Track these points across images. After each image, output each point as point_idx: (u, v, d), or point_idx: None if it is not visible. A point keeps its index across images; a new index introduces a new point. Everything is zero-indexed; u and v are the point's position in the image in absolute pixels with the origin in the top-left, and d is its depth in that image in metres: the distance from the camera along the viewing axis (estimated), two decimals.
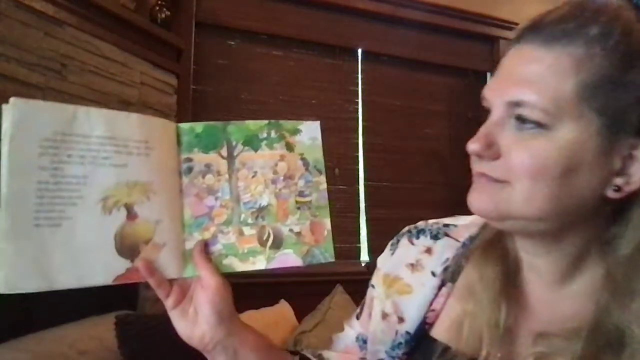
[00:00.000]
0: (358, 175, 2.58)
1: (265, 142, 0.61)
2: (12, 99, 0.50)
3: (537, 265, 0.53)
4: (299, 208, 0.61)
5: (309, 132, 0.63)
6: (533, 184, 0.45)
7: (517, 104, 0.46)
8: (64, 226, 0.51)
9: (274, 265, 0.59)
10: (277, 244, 0.60)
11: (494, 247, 0.56)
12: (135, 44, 1.81)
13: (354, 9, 2.55)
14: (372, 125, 2.64)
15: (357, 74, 2.64)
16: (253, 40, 2.40)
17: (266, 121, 0.62)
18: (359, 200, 2.56)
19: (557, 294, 0.52)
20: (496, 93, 0.48)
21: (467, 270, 0.58)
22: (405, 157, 2.70)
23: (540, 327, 0.51)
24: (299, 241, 0.60)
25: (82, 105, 0.54)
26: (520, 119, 0.46)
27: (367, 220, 2.55)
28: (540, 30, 0.47)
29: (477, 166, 0.50)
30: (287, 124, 0.62)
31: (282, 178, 0.61)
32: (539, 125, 0.45)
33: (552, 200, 0.45)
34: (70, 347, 1.24)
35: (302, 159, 0.62)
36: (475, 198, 0.50)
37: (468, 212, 0.53)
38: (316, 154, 0.63)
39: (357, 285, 1.90)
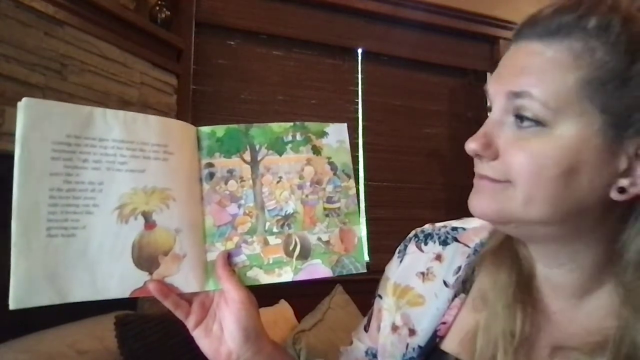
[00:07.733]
0: (358, 175, 2.57)
1: (290, 145, 0.58)
2: (24, 99, 0.47)
3: (552, 278, 0.50)
4: (327, 215, 0.58)
5: (336, 135, 0.60)
6: (532, 185, 0.43)
7: (517, 95, 0.43)
8: (78, 236, 0.48)
9: (302, 276, 0.56)
10: (305, 253, 0.56)
11: (506, 251, 0.53)
12: (135, 44, 1.80)
13: (354, 9, 2.54)
14: (372, 125, 2.63)
15: (357, 74, 2.63)
16: (253, 40, 2.38)
17: (291, 123, 0.59)
18: (359, 200, 2.55)
19: (577, 308, 0.49)
20: (496, 85, 0.47)
21: (479, 279, 0.55)
22: (405, 157, 2.70)
23: (560, 341, 0.48)
24: (328, 250, 0.57)
25: (83, 105, 0.51)
26: (519, 116, 0.44)
27: (367, 220, 2.54)
28: (536, 25, 0.44)
29: (478, 167, 0.48)
30: (313, 126, 0.59)
31: (308, 183, 0.58)
32: (538, 122, 0.42)
33: (553, 202, 0.43)
34: (70, 347, 1.23)
35: (330, 162, 0.59)
36: (476, 200, 0.47)
37: (470, 213, 0.52)
38: (344, 158, 0.60)
39: (357, 286, 1.91)
